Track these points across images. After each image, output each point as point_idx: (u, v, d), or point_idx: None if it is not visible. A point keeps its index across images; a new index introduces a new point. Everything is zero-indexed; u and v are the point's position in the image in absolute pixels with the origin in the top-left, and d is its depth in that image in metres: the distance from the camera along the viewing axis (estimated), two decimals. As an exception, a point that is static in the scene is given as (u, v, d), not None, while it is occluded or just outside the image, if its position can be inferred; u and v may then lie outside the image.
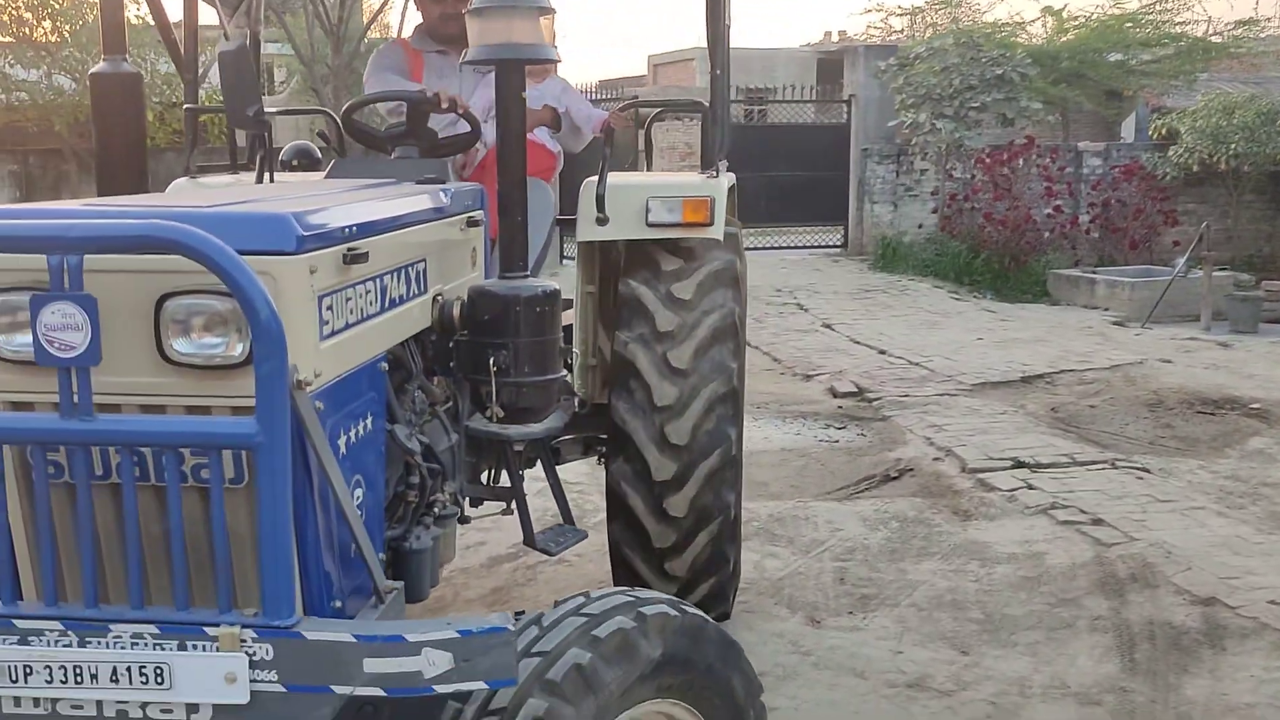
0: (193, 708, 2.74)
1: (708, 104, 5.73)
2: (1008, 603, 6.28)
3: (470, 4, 3.79)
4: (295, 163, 5.88)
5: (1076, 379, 11.66)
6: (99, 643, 2.70)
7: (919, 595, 6.34)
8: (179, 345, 2.84)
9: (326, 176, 4.76)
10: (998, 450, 8.96)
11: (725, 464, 5.11)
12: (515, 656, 2.76)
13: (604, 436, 5.50)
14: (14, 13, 16.31)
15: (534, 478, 5.39)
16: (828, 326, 14.66)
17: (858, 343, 13.58)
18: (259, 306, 2.55)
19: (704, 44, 5.80)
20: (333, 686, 2.71)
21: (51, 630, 2.71)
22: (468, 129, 5.07)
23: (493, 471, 5.13)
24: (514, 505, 5.02)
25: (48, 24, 16.50)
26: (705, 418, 5.05)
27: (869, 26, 41.30)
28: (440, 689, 2.72)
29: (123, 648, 2.71)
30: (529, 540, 5.02)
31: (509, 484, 5.01)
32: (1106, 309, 16.19)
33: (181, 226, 2.58)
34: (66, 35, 16.49)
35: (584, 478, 7.44)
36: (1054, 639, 5.84)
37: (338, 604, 3.15)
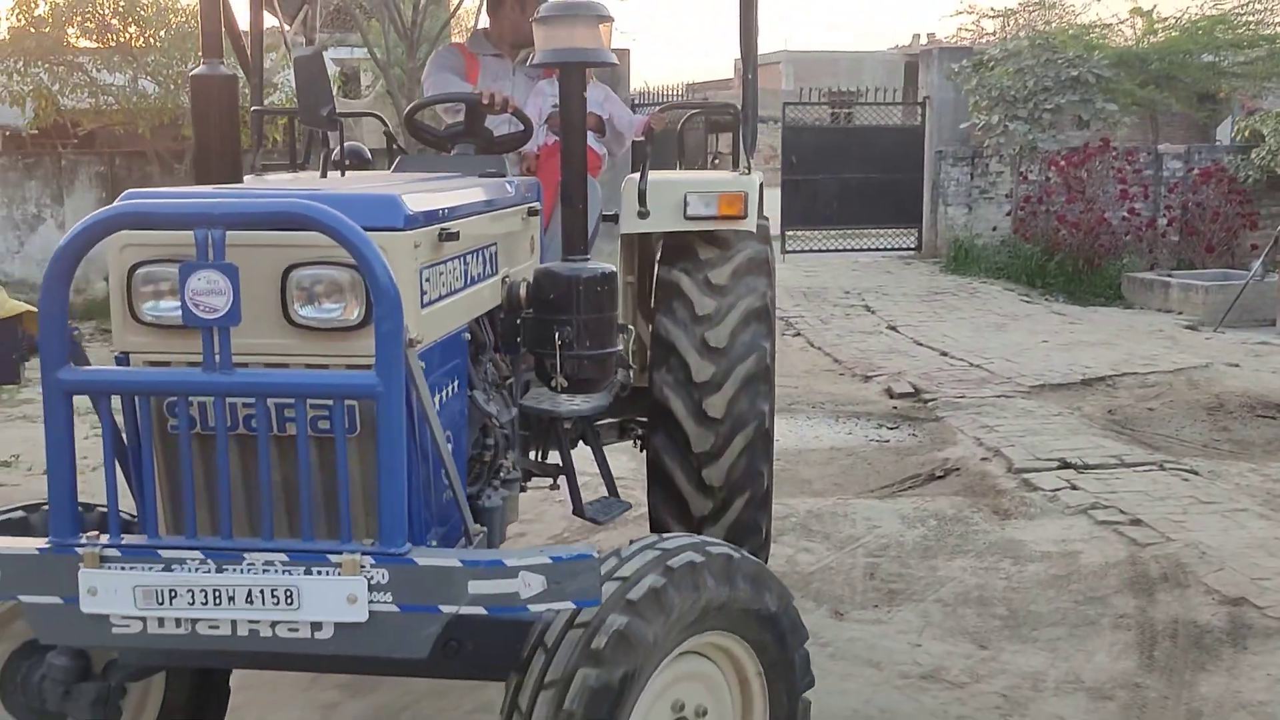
0: (316, 626, 3.08)
1: (740, 106, 6.06)
2: (1034, 600, 6.31)
3: (538, 12, 4.16)
4: (347, 162, 6.08)
5: (1138, 382, 11.59)
6: (234, 570, 3.05)
7: (946, 591, 6.39)
8: (303, 310, 3.28)
9: (394, 170, 5.19)
10: (1046, 451, 8.96)
11: (758, 436, 5.36)
12: (599, 580, 3.10)
13: (642, 420, 5.86)
14: (101, 19, 16.67)
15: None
16: (892, 328, 14.67)
17: (921, 345, 13.58)
18: (379, 274, 2.95)
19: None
20: (440, 606, 3.06)
21: (192, 559, 3.06)
22: (519, 129, 5.41)
23: (540, 451, 5.48)
24: (561, 480, 5.40)
25: (134, 29, 16.81)
26: (740, 393, 5.32)
27: (959, 29, 41.06)
28: (534, 608, 3.06)
29: (255, 574, 3.05)
30: (578, 510, 5.36)
31: (556, 462, 5.42)
32: (1180, 312, 16.02)
33: (314, 204, 2.99)
34: (152, 40, 16.81)
35: (628, 472, 7.54)
36: (1075, 635, 5.86)
37: (434, 542, 3.63)
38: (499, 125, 5.57)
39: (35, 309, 7.71)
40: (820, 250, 22.01)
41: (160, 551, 3.09)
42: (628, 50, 20.16)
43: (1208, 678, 5.42)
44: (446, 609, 3.06)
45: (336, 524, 3.20)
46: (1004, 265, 18.91)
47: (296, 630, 3.09)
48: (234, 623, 3.09)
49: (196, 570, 3.06)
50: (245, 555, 3.07)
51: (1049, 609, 6.19)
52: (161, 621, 3.10)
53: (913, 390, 11.28)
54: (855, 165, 21.34)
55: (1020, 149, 19.58)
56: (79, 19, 16.60)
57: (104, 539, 3.12)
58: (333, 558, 3.06)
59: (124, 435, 3.32)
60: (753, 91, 6.07)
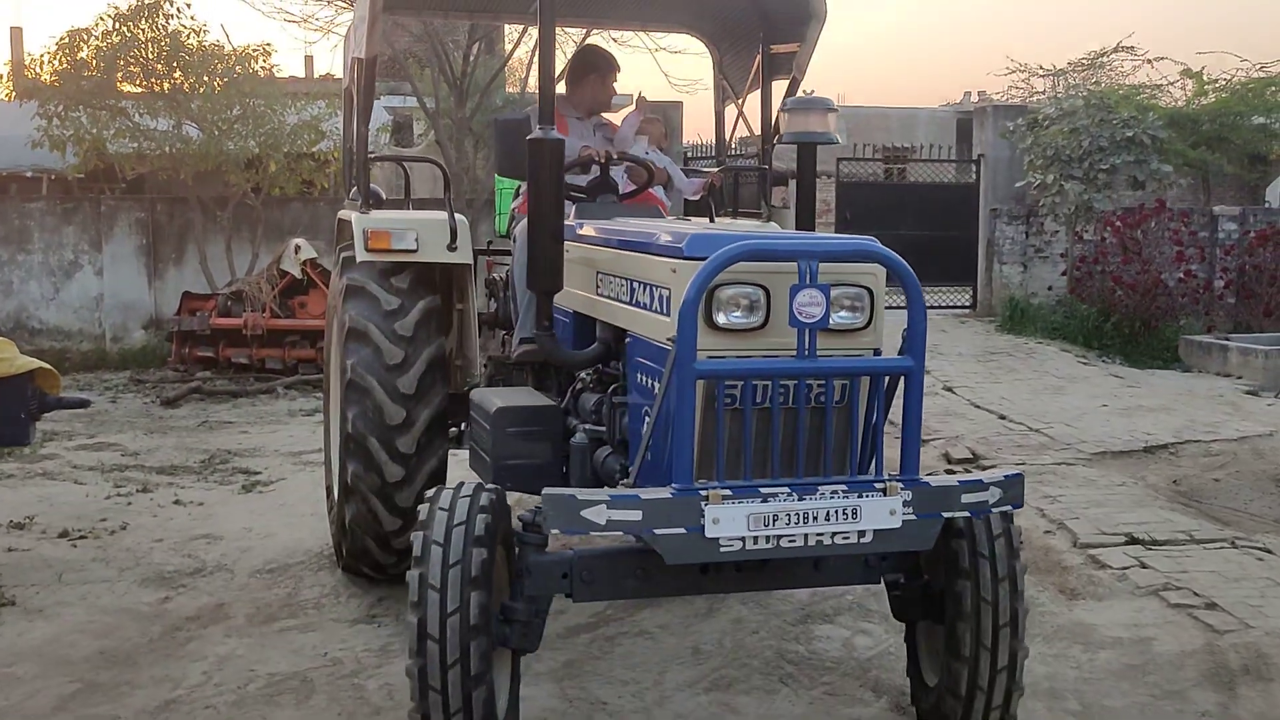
0: (862, 534, 4.42)
1: (766, 168, 7.74)
2: (1108, 693, 5.97)
3: (784, 102, 6.21)
4: (371, 201, 7.41)
5: (1201, 450, 11.19)
6: (812, 498, 4.38)
7: (1014, 680, 6.02)
8: (836, 317, 4.56)
9: (576, 216, 6.34)
10: (1112, 525, 8.59)
11: None
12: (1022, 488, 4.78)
13: None
14: (145, 64, 16.52)
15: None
16: (949, 389, 14.29)
17: (978, 407, 13.21)
18: (916, 295, 4.49)
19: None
20: (942, 513, 4.55)
21: (782, 493, 4.37)
22: (594, 177, 6.83)
23: None
24: None
25: (178, 75, 16.65)
26: None
27: (1010, 87, 40.93)
28: (995, 510, 4.68)
29: (828, 500, 4.39)
30: None
31: None
32: (1239, 376, 15.62)
33: (877, 243, 4.54)
34: (197, 86, 16.64)
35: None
36: (1154, 733, 5.51)
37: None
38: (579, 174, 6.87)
39: (48, 366, 7.63)
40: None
41: (761, 490, 4.37)
42: (680, 103, 19.95)
43: (1300, 784, 5.04)
44: (946, 515, 4.57)
45: (843, 462, 4.71)
46: (1060, 325, 18.53)
47: (849, 538, 4.41)
48: (806, 536, 4.37)
49: (786, 500, 4.36)
50: (818, 488, 4.41)
51: (1124, 703, 5.86)
52: (755, 540, 4.33)
53: (971, 456, 10.94)
54: (910, 222, 21.00)
55: (1075, 209, 19.21)
56: (123, 63, 16.45)
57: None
58: (877, 485, 4.43)
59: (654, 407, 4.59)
60: (770, 157, 7.74)
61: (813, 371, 4.48)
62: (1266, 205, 22.44)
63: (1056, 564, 7.90)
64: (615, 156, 6.83)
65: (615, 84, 7.62)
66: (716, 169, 8.02)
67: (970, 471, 10.35)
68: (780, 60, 7.55)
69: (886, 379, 4.62)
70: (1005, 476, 4.64)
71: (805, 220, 6.73)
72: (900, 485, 4.40)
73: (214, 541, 8.31)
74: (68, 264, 17.37)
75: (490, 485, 4.78)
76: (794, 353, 4.45)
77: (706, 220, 7.29)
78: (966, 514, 4.62)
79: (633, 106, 7.69)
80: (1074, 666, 6.27)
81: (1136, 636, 6.64)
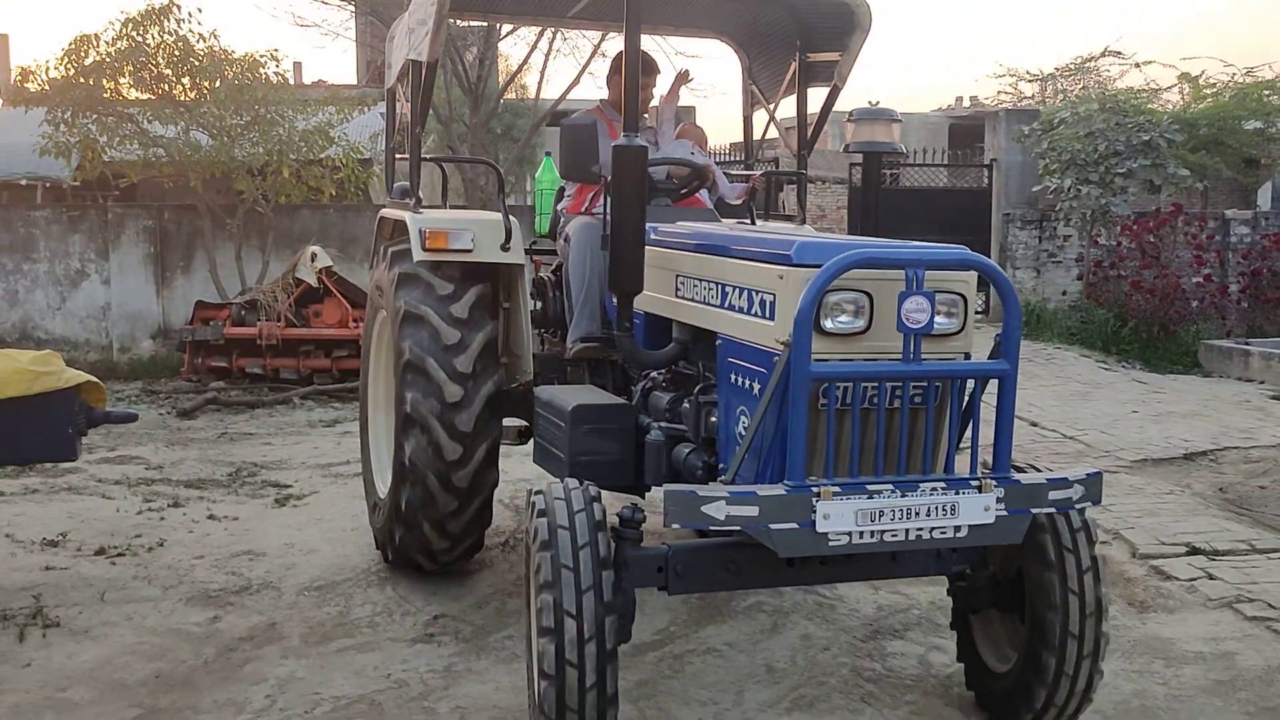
0: (959, 529, 4.61)
1: (804, 173, 8.13)
2: (1201, 710, 5.83)
3: (851, 113, 6.19)
4: (403, 200, 7.65)
5: (1242, 457, 11.05)
6: (913, 494, 4.56)
7: (1104, 699, 5.84)
8: (938, 320, 4.68)
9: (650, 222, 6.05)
10: (1169, 534, 8.44)
11: None
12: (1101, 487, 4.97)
13: None
14: (154, 69, 16.26)
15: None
16: (972, 397, 14.11)
17: (1005, 414, 13.01)
18: (1012, 300, 4.69)
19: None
20: (1031, 509, 4.76)
21: (887, 489, 4.55)
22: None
23: None
24: None
25: (186, 81, 16.39)
26: None
27: (999, 92, 41.00)
28: (1077, 506, 4.90)
29: (929, 496, 4.57)
30: None
31: None
32: (1262, 381, 15.52)
33: (973, 253, 4.78)
34: (206, 92, 16.38)
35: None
36: (1259, 753, 5.35)
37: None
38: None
39: (96, 380, 7.42)
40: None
41: (867, 487, 4.54)
42: (693, 108, 19.77)
43: None
44: (1035, 510, 4.78)
45: (940, 460, 4.87)
46: (1076, 330, 18.42)
47: (946, 533, 4.61)
48: (908, 530, 4.55)
49: (890, 496, 4.53)
50: (919, 485, 4.59)
51: (1220, 721, 5.66)
52: (862, 534, 4.52)
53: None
54: (922, 227, 20.65)
55: (1092, 213, 19.08)
56: (130, 69, 16.20)
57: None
58: (973, 482, 4.66)
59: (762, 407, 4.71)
60: (805, 164, 8.08)
61: (919, 374, 4.65)
62: (1258, 209, 22.35)
63: (1120, 575, 7.74)
64: (702, 167, 7.29)
65: (654, 87, 7.78)
66: (759, 174, 8.14)
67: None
68: (817, 68, 7.67)
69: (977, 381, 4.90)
70: (1087, 475, 4.87)
71: (869, 227, 6.68)
72: (994, 483, 4.67)
73: (256, 558, 8.11)
74: (74, 273, 17.10)
75: (588, 482, 5.00)
76: (896, 356, 4.62)
77: (790, 225, 7.97)
78: (1053, 509, 4.83)
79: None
80: (1161, 683, 6.11)
81: (1218, 651, 6.49)
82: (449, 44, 17.60)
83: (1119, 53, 38.76)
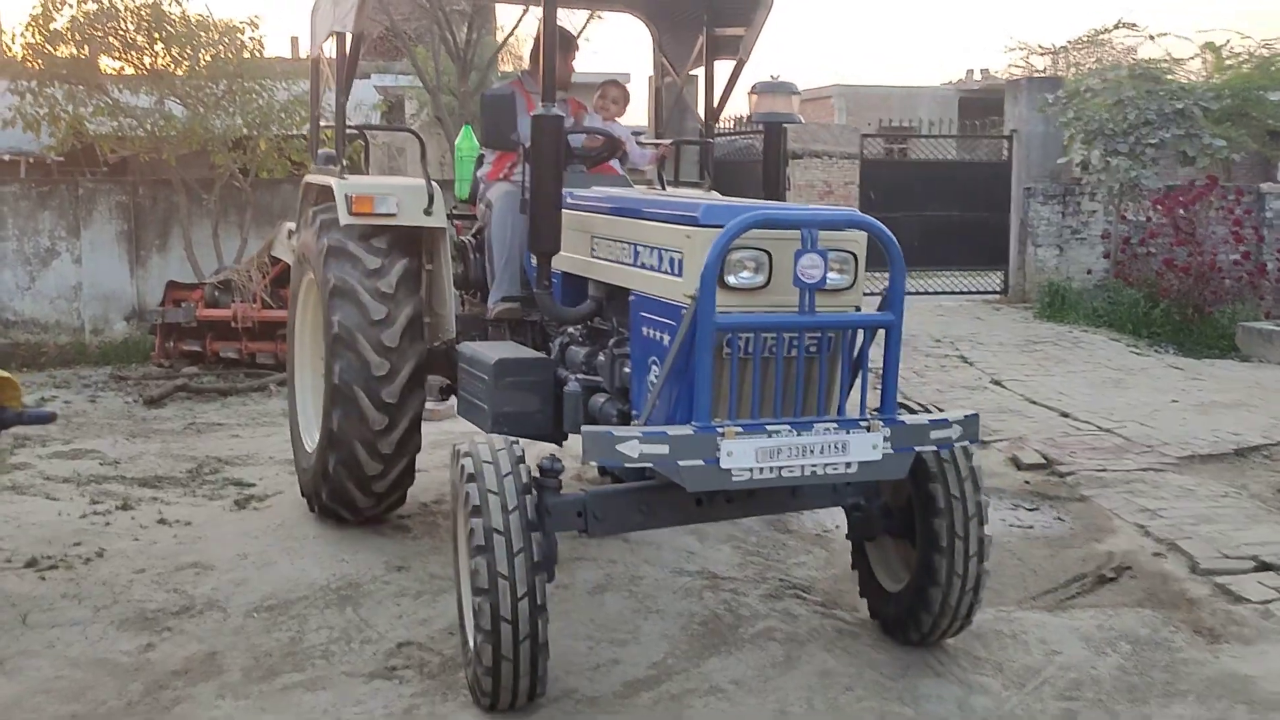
0: (849, 465, 5.01)
1: (710, 142, 8.61)
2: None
3: (754, 85, 6.47)
4: (328, 167, 8.07)
5: (1297, 452, 10.08)
6: (808, 434, 4.96)
7: (1184, 758, 4.92)
8: (831, 276, 5.07)
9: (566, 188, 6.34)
10: (1231, 546, 7.50)
11: None
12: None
13: None
14: (125, 36, 15.30)
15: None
16: (997, 383, 13.19)
17: (1034, 403, 12.11)
18: (897, 257, 5.11)
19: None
20: (915, 447, 5.19)
21: (785, 430, 4.95)
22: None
23: None
24: None
25: (160, 48, 15.43)
26: None
27: (1009, 65, 40.14)
28: (956, 444, 5.36)
29: (822, 435, 4.97)
30: None
31: None
32: (1306, 367, 14.54)
33: (866, 216, 5.26)
34: (181, 60, 15.42)
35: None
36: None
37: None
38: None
39: (7, 375, 6.43)
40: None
41: (766, 427, 4.93)
42: (695, 76, 18.85)
43: None
44: (918, 448, 5.19)
45: (832, 403, 5.26)
46: (1104, 312, 17.39)
47: (838, 469, 4.99)
48: (803, 467, 4.94)
49: (787, 435, 4.92)
50: (813, 425, 4.98)
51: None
52: (762, 470, 4.88)
53: (1043, 460, 9.83)
54: (937, 202, 19.87)
55: (1120, 186, 18.08)
56: (100, 35, 15.22)
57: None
58: (862, 423, 5.04)
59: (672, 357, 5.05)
60: (710, 134, 8.57)
61: (813, 325, 5.08)
62: (1278, 181, 21.44)
63: (1181, 596, 6.82)
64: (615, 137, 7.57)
65: (574, 61, 8.18)
66: (668, 142, 8.74)
67: (1054, 480, 9.31)
68: (723, 41, 8.11)
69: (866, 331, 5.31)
70: (965, 416, 5.29)
71: (772, 194, 7.14)
72: (881, 423, 5.07)
73: (204, 572, 7.18)
74: (44, 251, 16.14)
75: (514, 439, 5.41)
76: (793, 309, 5.02)
77: (697, 190, 8.41)
78: (934, 448, 5.30)
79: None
80: (1248, 736, 5.18)
81: (1310, 694, 5.55)
82: (437, 8, 16.75)
83: (1133, 24, 37.69)
